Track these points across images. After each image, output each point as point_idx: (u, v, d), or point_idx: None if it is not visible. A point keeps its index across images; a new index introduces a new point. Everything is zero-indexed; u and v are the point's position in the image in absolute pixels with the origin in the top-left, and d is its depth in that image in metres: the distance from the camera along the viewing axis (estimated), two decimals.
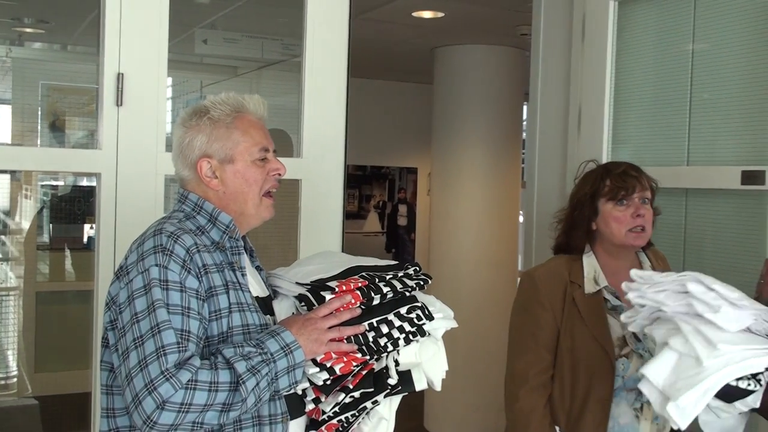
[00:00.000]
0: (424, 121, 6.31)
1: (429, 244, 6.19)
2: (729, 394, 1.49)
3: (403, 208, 8.17)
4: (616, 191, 2.14)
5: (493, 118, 5.68)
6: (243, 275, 1.64)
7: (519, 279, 2.25)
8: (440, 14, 4.80)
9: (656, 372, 1.56)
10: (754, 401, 1.52)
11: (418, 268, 1.67)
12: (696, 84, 2.66)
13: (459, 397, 5.55)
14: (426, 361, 1.60)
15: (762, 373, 1.50)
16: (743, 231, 2.48)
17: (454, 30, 5.21)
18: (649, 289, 1.66)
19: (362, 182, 7.98)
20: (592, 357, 2.06)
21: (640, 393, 2.08)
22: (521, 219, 5.72)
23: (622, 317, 1.79)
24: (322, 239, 2.63)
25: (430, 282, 1.66)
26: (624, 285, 1.74)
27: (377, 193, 8.06)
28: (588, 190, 2.19)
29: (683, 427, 1.53)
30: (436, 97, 5.90)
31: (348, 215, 7.90)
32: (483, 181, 5.71)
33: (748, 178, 2.38)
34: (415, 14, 4.82)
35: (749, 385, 1.49)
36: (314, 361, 1.57)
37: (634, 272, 1.72)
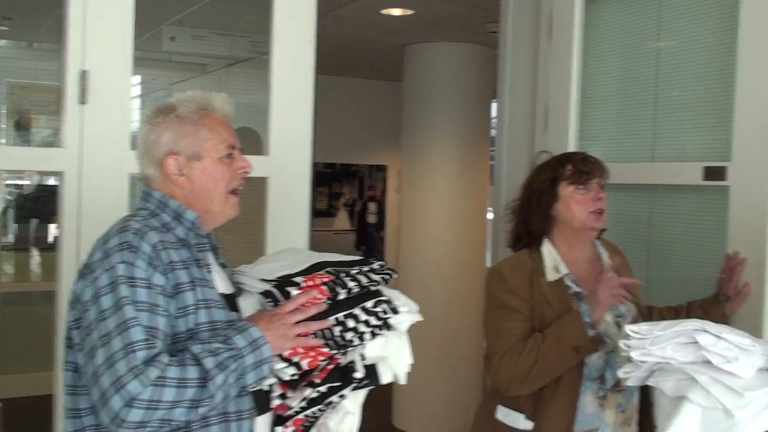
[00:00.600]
0: (394, 118, 6.32)
1: (398, 242, 6.21)
2: None
3: (372, 206, 8.18)
4: (579, 175, 2.19)
5: (462, 116, 5.70)
6: (209, 272, 1.64)
7: (485, 275, 2.26)
8: (409, 12, 4.81)
9: (683, 430, 1.50)
10: None
11: (383, 263, 1.69)
12: (661, 81, 2.70)
13: (428, 394, 5.57)
14: (391, 355, 1.62)
15: None
16: (706, 226, 2.52)
17: (423, 27, 5.22)
18: (652, 346, 1.61)
19: (332, 180, 7.97)
20: None
21: (603, 381, 2.12)
22: (490, 216, 5.76)
23: (620, 372, 1.77)
24: (289, 237, 2.62)
25: (394, 277, 1.68)
26: (622, 343, 1.70)
27: (347, 190, 8.06)
28: (549, 175, 2.23)
29: None
30: (406, 95, 5.91)
31: (318, 213, 7.96)
32: (452, 178, 5.74)
33: (710, 173, 2.42)
34: (384, 12, 4.82)
35: None
36: (281, 356, 1.57)
37: (629, 328, 1.69)
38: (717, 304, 2.27)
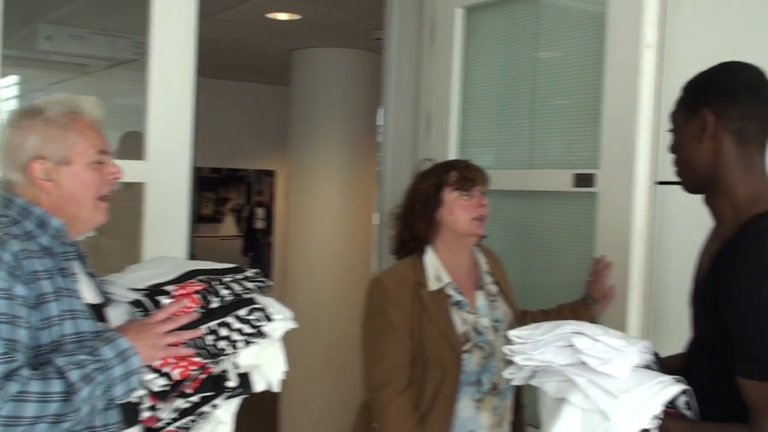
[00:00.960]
0: (282, 123, 6.28)
1: (286, 248, 6.16)
2: None
3: (260, 212, 8.10)
4: (463, 181, 2.24)
5: (349, 121, 5.72)
6: (74, 281, 1.58)
7: (368, 286, 2.26)
8: (296, 16, 4.79)
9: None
10: None
11: (257, 271, 1.68)
12: (538, 91, 2.78)
13: (315, 399, 5.55)
14: (265, 362, 1.60)
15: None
16: (577, 231, 2.61)
17: (310, 32, 5.21)
18: (533, 350, 1.65)
19: (218, 185, 7.85)
20: (441, 353, 2.12)
21: (480, 385, 2.17)
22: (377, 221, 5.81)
23: (505, 373, 1.79)
24: (167, 244, 2.55)
25: (268, 284, 1.67)
26: (505, 348, 1.74)
27: (234, 196, 7.95)
28: (434, 181, 2.27)
29: None
30: (293, 100, 5.88)
31: (203, 219, 7.82)
32: (339, 183, 5.75)
33: (580, 180, 2.52)
34: (269, 16, 4.78)
35: (652, 422, 1.52)
36: (151, 366, 1.53)
37: (512, 333, 1.72)
38: (585, 306, 2.36)
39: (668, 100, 2.30)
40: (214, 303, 1.56)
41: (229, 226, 7.95)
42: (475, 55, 3.02)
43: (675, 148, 1.66)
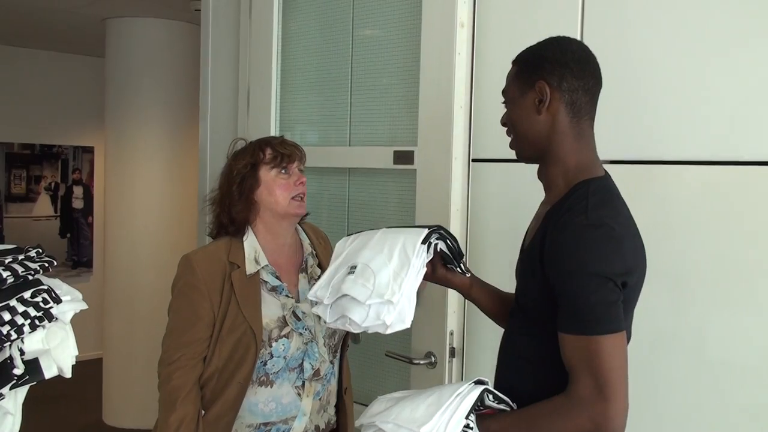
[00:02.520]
0: (100, 97, 5.96)
1: (105, 228, 5.88)
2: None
3: (78, 190, 7.68)
4: (280, 158, 2.16)
5: (170, 96, 5.53)
6: None
7: (179, 262, 2.16)
8: None
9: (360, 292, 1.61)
10: None
11: (40, 251, 1.54)
12: (356, 68, 2.77)
13: (139, 386, 5.36)
14: (54, 347, 1.49)
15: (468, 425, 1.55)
16: (398, 207, 2.64)
17: (124, 1, 4.94)
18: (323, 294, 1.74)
19: (30, 162, 7.35)
20: (242, 339, 2.06)
21: (301, 371, 2.13)
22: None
23: (314, 309, 1.80)
24: None
25: (54, 264, 1.54)
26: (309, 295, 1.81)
27: (48, 173, 7.48)
28: (248, 160, 2.17)
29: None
30: (108, 72, 5.60)
31: (14, 198, 7.32)
32: (161, 161, 5.55)
33: (400, 158, 2.54)
34: None
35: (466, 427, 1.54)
36: None
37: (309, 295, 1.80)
38: None
39: (481, 79, 2.38)
40: None
41: (43, 206, 7.48)
42: (293, 31, 2.97)
43: (510, 121, 1.69)
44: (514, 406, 1.60)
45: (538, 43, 1.67)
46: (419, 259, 1.69)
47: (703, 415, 1.98)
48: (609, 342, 1.43)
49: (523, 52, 1.69)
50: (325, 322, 1.75)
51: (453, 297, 2.36)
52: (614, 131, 2.10)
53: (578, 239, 1.47)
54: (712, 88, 1.97)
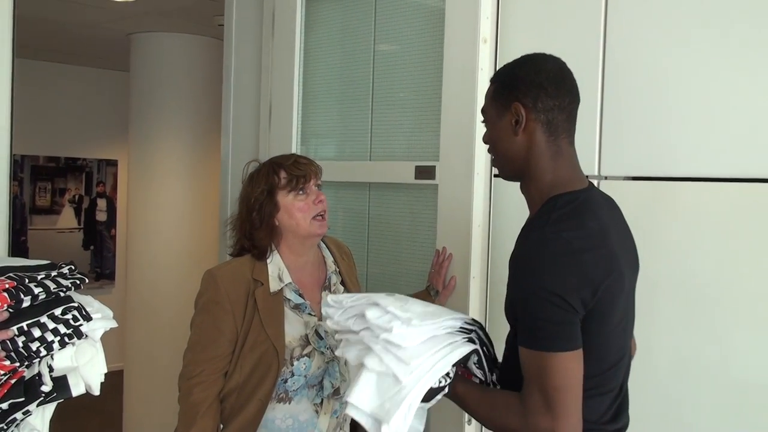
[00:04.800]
0: (124, 110, 6.02)
1: (127, 240, 5.92)
2: (427, 395, 1.58)
3: (102, 203, 7.75)
4: (296, 181, 2.15)
5: (193, 110, 5.56)
6: None
7: (202, 278, 2.17)
8: None
9: (360, 397, 1.58)
10: (445, 393, 1.62)
11: (73, 267, 1.56)
12: (377, 83, 2.78)
13: (160, 399, 5.36)
14: (83, 365, 1.50)
15: (448, 372, 1.61)
16: (419, 223, 2.64)
17: (149, 16, 5.00)
18: (341, 315, 1.71)
19: (55, 175, 7.43)
20: (264, 356, 2.06)
21: (321, 389, 2.13)
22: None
23: (338, 352, 1.77)
24: None
25: (86, 281, 1.56)
26: (323, 310, 1.77)
27: (73, 186, 7.55)
28: (264, 187, 2.15)
29: None
30: (133, 86, 5.64)
31: (39, 210, 7.39)
32: (183, 174, 5.58)
33: (421, 173, 2.54)
34: None
35: (441, 382, 1.59)
36: None
37: (329, 297, 1.75)
38: (428, 297, 2.37)
39: None
40: (26, 302, 1.44)
41: (67, 218, 7.56)
42: (315, 45, 2.99)
43: (490, 141, 1.72)
44: (493, 378, 1.66)
45: (514, 62, 1.68)
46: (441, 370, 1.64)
47: None
48: (558, 360, 1.44)
49: (500, 70, 1.72)
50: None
51: (475, 291, 2.37)
52: (636, 147, 2.09)
53: (531, 255, 1.50)
54: (736, 105, 1.96)
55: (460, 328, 1.68)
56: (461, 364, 1.65)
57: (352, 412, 1.60)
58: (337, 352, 1.73)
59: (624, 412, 1.66)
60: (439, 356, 1.59)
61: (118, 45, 5.68)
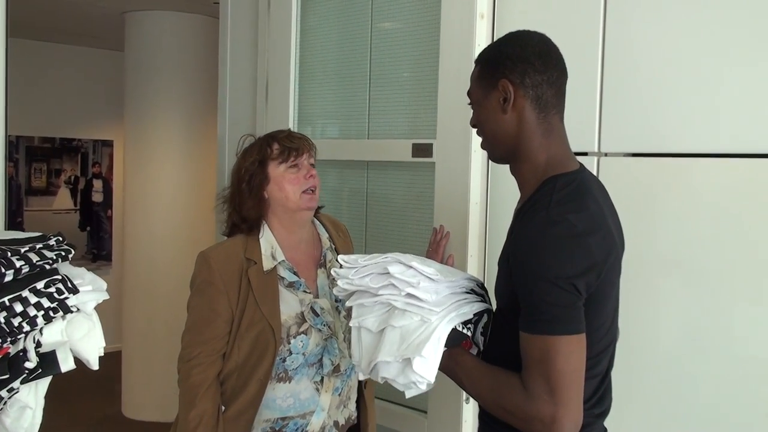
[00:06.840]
0: (119, 90, 5.96)
1: (123, 221, 5.89)
2: (451, 338, 1.57)
3: (98, 183, 7.70)
4: (288, 152, 2.13)
5: (189, 90, 5.52)
6: None
7: (196, 260, 2.14)
8: None
9: (388, 351, 1.57)
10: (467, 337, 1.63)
11: (60, 239, 1.53)
12: (375, 61, 2.75)
13: (159, 379, 5.37)
14: (79, 339, 1.47)
15: (471, 320, 1.62)
16: (416, 200, 2.62)
17: None
18: (355, 275, 1.67)
19: (51, 156, 7.38)
20: (260, 336, 2.04)
21: (320, 367, 2.11)
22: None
23: (335, 290, 1.76)
24: None
25: (72, 252, 1.52)
26: (333, 271, 1.75)
27: (68, 167, 7.50)
28: (256, 157, 2.14)
29: (432, 379, 1.55)
30: (128, 65, 5.60)
31: (35, 191, 7.34)
32: (180, 154, 5.54)
33: (418, 150, 2.51)
34: None
35: (464, 329, 1.60)
36: None
37: (340, 258, 1.72)
38: None
39: None
40: (9, 276, 1.41)
41: (63, 199, 7.51)
42: (312, 24, 2.95)
43: (478, 122, 1.67)
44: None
45: (498, 40, 1.64)
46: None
47: (731, 411, 1.94)
48: (562, 343, 1.42)
49: (484, 50, 1.67)
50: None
51: (472, 269, 2.34)
52: (636, 124, 2.06)
53: (537, 237, 1.45)
54: (736, 80, 1.93)
55: (472, 289, 1.69)
56: (474, 324, 1.64)
57: (382, 371, 1.58)
58: (352, 323, 1.68)
59: (607, 396, 1.63)
60: (461, 304, 1.61)
61: (112, 23, 5.61)
